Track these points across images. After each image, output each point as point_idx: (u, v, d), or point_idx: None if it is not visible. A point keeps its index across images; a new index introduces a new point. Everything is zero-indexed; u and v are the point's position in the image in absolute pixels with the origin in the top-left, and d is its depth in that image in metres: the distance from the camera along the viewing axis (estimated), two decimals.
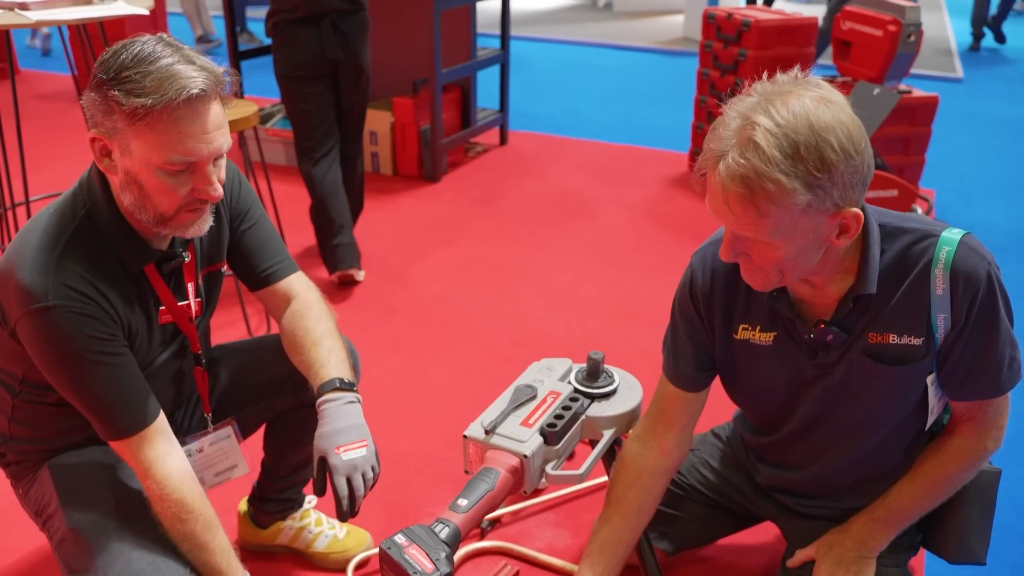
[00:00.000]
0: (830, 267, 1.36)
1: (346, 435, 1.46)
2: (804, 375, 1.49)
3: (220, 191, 1.37)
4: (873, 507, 1.56)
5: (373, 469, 1.46)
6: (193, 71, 1.29)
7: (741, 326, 1.48)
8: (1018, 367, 1.44)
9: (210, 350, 1.79)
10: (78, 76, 3.67)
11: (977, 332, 1.38)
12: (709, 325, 1.52)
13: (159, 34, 1.34)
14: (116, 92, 1.27)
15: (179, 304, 1.53)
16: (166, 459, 1.41)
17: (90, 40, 3.01)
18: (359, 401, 1.53)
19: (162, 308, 1.50)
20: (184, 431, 1.69)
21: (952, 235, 1.37)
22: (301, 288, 1.67)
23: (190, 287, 1.54)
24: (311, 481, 1.93)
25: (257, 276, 1.66)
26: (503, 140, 5.10)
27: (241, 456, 1.74)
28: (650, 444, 1.62)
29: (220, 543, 1.44)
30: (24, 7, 2.59)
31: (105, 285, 1.38)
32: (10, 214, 3.19)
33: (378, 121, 4.45)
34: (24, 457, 1.55)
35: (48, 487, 1.48)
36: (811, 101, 1.20)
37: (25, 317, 1.32)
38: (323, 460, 1.45)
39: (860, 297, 1.39)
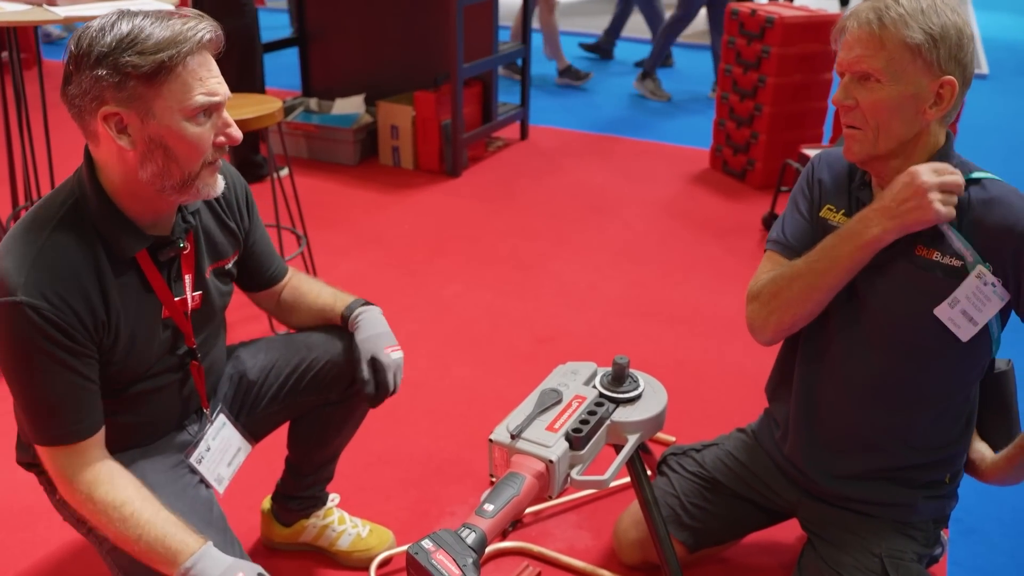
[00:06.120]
0: (913, 161, 1.55)
1: (387, 339, 1.72)
2: None
3: (239, 132, 1.43)
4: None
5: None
6: (192, 22, 1.33)
7: (827, 206, 1.73)
8: None
9: (233, 347, 1.80)
10: None
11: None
12: (808, 199, 1.78)
13: (116, 10, 1.34)
14: (128, 57, 1.28)
15: (175, 299, 1.50)
16: (94, 464, 1.41)
17: None
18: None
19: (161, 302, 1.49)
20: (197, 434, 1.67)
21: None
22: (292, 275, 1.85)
23: (187, 279, 1.52)
24: (333, 478, 1.96)
25: (264, 279, 1.78)
26: (524, 135, 5.09)
27: (240, 437, 1.72)
28: None
29: (162, 515, 1.40)
30: (52, 2, 2.60)
31: (88, 279, 1.36)
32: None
33: (399, 115, 4.45)
34: None
35: None
36: None
37: None
38: (374, 359, 1.68)
39: None
